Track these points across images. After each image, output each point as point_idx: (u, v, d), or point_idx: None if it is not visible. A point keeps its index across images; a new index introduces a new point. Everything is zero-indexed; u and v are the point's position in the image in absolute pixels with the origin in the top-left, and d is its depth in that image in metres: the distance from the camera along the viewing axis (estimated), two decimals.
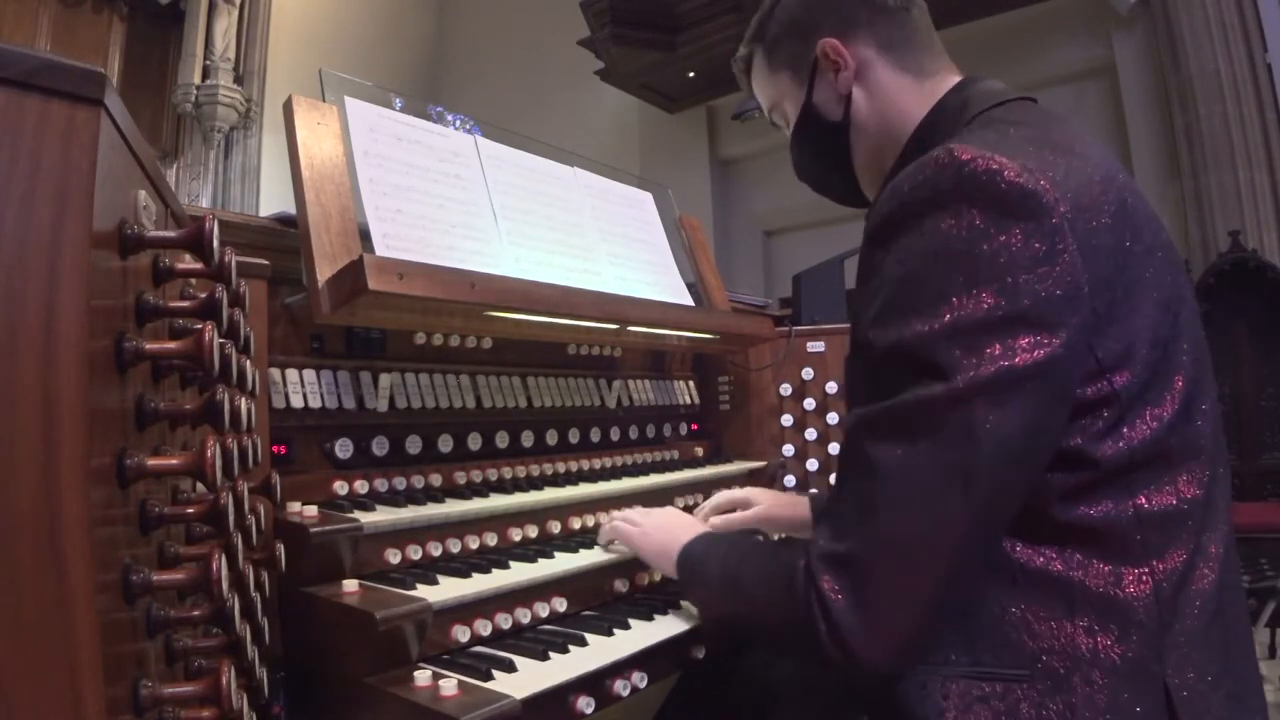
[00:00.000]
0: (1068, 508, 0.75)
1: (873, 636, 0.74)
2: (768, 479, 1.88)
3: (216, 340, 0.59)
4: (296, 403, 1.17)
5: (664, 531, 1.17)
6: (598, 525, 1.39)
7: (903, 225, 0.76)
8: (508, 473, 1.41)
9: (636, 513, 1.27)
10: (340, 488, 1.18)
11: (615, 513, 1.32)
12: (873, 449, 0.75)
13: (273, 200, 6.32)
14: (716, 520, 1.40)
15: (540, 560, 1.18)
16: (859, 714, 0.90)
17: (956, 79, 0.99)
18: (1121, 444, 0.75)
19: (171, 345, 0.60)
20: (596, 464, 1.56)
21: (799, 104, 1.05)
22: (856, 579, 0.74)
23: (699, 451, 1.89)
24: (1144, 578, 0.74)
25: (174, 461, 0.57)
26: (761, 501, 1.41)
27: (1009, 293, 0.71)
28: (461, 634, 1.03)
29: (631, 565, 1.28)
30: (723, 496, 1.45)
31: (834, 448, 1.89)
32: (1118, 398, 0.74)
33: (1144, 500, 0.76)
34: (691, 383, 1.95)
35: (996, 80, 0.96)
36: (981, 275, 0.71)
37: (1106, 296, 0.74)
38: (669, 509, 1.32)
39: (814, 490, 1.78)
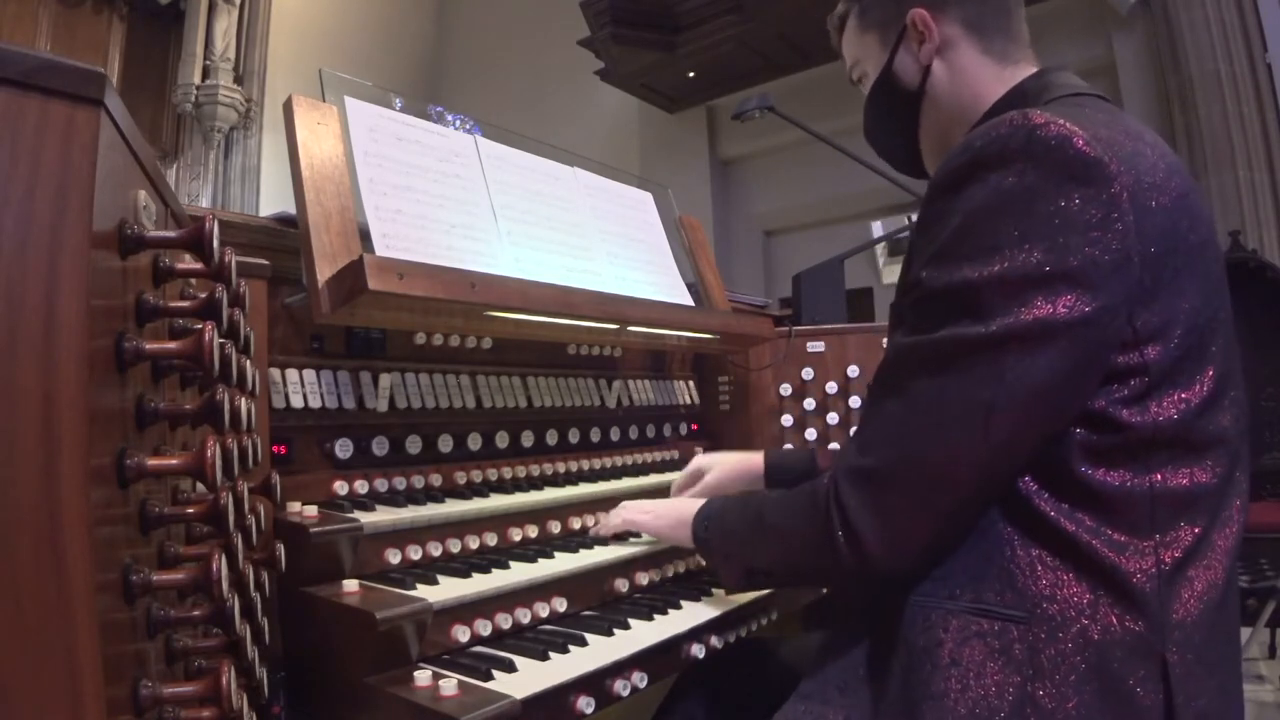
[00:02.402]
0: (1087, 468, 0.77)
1: (884, 540, 0.82)
2: None
3: (216, 340, 0.59)
4: (296, 403, 1.17)
5: (674, 507, 1.23)
6: (598, 525, 1.39)
7: (970, 177, 0.79)
8: (508, 473, 1.41)
9: (644, 502, 1.30)
10: (340, 488, 1.18)
11: (625, 503, 1.33)
12: (907, 376, 0.82)
13: (273, 200, 6.33)
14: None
15: (540, 560, 1.18)
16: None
17: (1036, 69, 1.01)
18: (1146, 418, 0.77)
19: (171, 345, 0.60)
20: (596, 464, 1.56)
21: (879, 67, 1.07)
22: (876, 490, 0.82)
23: (699, 451, 1.88)
24: (1148, 552, 0.76)
25: (174, 461, 0.57)
26: (715, 464, 1.41)
27: (1058, 251, 0.74)
28: (461, 634, 1.03)
29: (631, 565, 1.28)
30: (683, 475, 1.45)
31: (834, 447, 1.89)
32: (1147, 370, 0.76)
33: (1160, 478, 0.77)
34: (691, 383, 1.95)
35: (1076, 76, 0.97)
36: (1035, 232, 0.75)
37: (1155, 272, 0.76)
38: (670, 499, 1.36)
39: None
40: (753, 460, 1.43)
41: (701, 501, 1.18)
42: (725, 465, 1.42)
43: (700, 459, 1.47)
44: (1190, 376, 0.79)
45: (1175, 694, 0.73)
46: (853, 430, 1.85)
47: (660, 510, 1.25)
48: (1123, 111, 0.93)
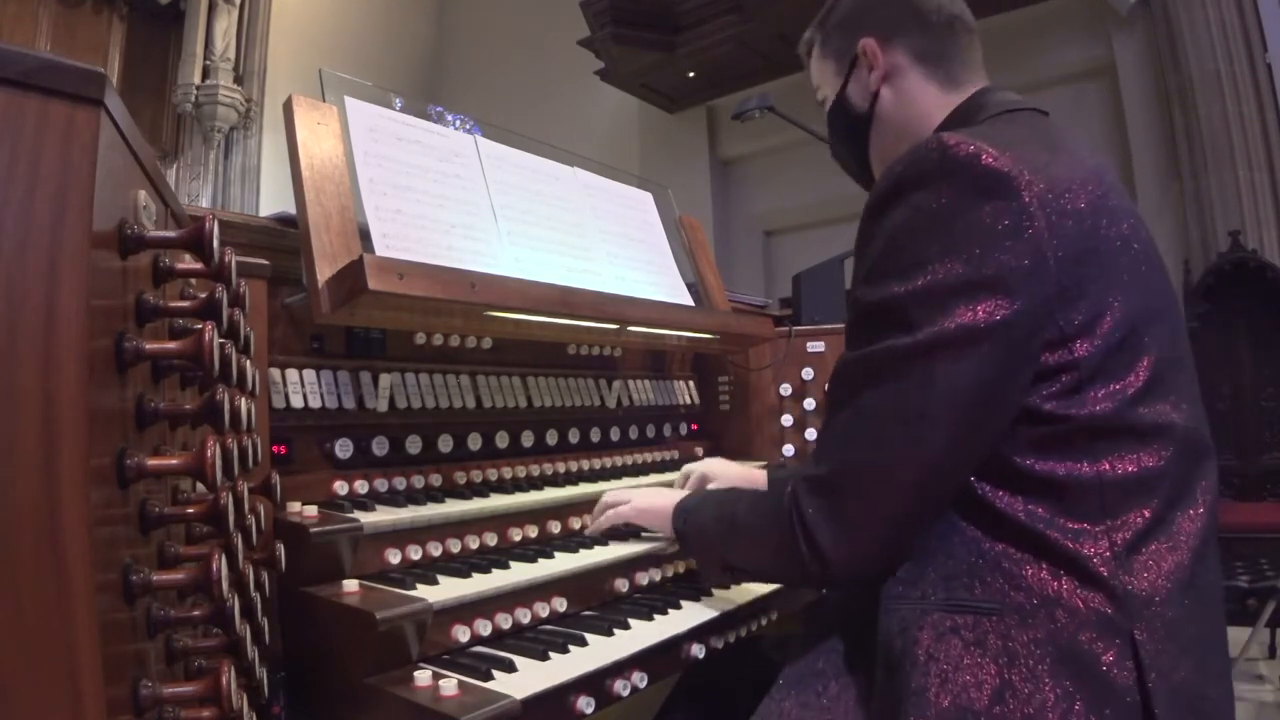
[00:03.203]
0: (1035, 461, 0.81)
1: (842, 545, 0.86)
2: None
3: (216, 340, 0.59)
4: (296, 403, 1.17)
5: (656, 496, 1.30)
6: (589, 526, 1.39)
7: (891, 201, 0.86)
8: (508, 473, 1.41)
9: (622, 492, 1.35)
10: (340, 488, 1.18)
11: (605, 495, 1.35)
12: (850, 389, 0.87)
13: (273, 200, 6.32)
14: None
15: (540, 560, 1.18)
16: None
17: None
18: (1082, 411, 0.80)
19: (171, 345, 0.60)
20: (596, 464, 1.56)
21: (835, 91, 1.15)
22: (830, 497, 0.87)
23: (699, 451, 1.89)
24: (1101, 535, 0.79)
25: (174, 461, 0.57)
26: (719, 476, 1.46)
27: (975, 261, 0.79)
28: (461, 634, 1.03)
29: (631, 565, 1.28)
30: (691, 473, 1.48)
31: None
32: (1077, 366, 0.80)
33: (1108, 465, 0.81)
34: (691, 383, 1.95)
35: (1013, 93, 1.03)
36: (954, 245, 0.80)
37: (1076, 273, 0.81)
38: (652, 488, 1.41)
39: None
40: (755, 475, 1.46)
41: (681, 494, 1.23)
42: (729, 476, 1.45)
43: (704, 466, 1.48)
44: (1124, 367, 0.83)
45: (1148, 671, 0.75)
46: None
47: (641, 503, 1.29)
48: (1055, 125, 0.98)
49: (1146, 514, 0.81)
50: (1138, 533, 0.79)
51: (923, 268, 0.81)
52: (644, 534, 1.36)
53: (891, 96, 1.08)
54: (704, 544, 1.12)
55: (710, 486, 1.41)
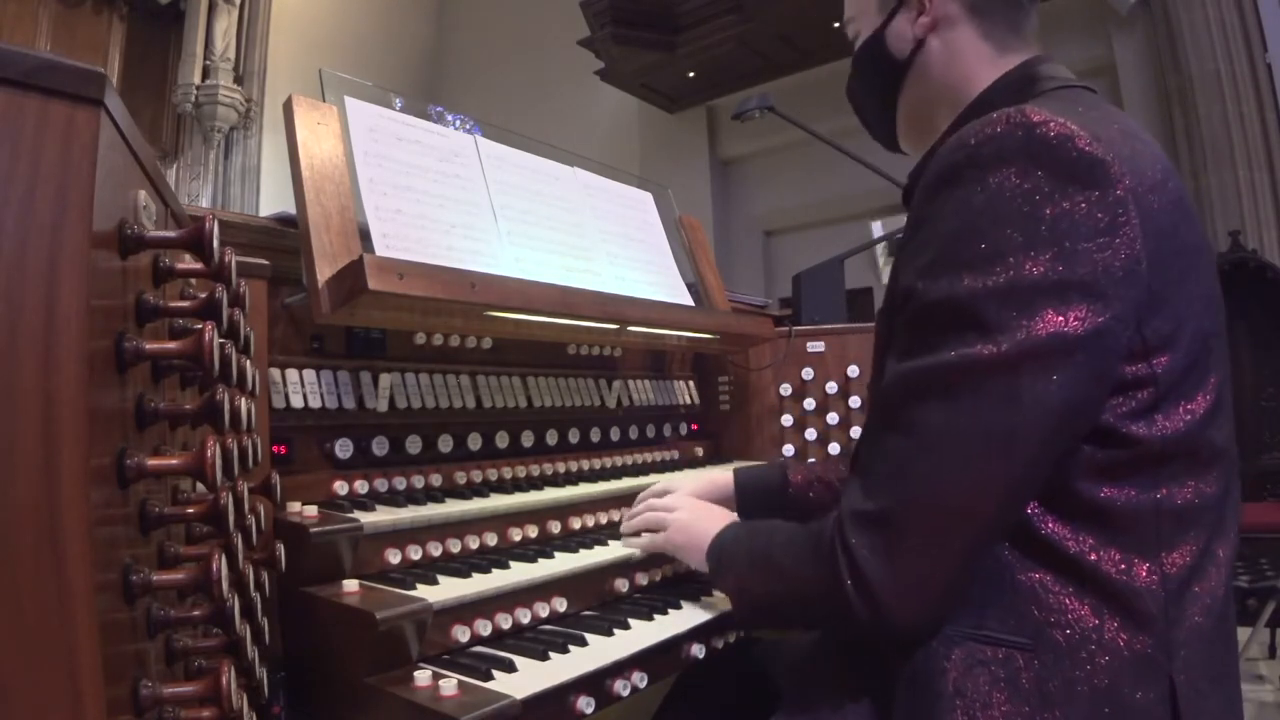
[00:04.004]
0: (1092, 486, 0.74)
1: (904, 591, 0.75)
2: None
3: (216, 340, 0.59)
4: (296, 403, 1.17)
5: (695, 521, 1.17)
6: (598, 525, 1.39)
7: (964, 177, 0.75)
8: (508, 473, 1.41)
9: (669, 500, 1.26)
10: (340, 488, 1.18)
11: (652, 500, 1.29)
12: (912, 407, 0.75)
13: (273, 200, 6.33)
14: None
15: (540, 560, 1.18)
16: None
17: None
18: (1154, 431, 0.74)
19: (171, 345, 0.60)
20: (596, 464, 1.56)
21: (872, 28, 1.03)
22: (889, 536, 0.75)
23: (699, 451, 1.89)
24: (1154, 570, 0.74)
25: (174, 461, 0.57)
26: (679, 488, 1.33)
27: (1067, 259, 0.70)
28: (461, 634, 1.03)
29: (631, 565, 1.28)
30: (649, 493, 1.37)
31: (834, 448, 1.89)
32: (1155, 381, 0.73)
33: (1166, 492, 0.75)
34: (691, 383, 1.95)
35: (1063, 66, 0.94)
36: (1041, 238, 0.70)
37: (1162, 277, 0.73)
38: (695, 502, 1.28)
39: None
40: (721, 479, 1.36)
41: (720, 523, 1.12)
42: (692, 485, 1.33)
43: (666, 481, 1.38)
44: (1195, 387, 0.76)
45: (1184, 715, 0.72)
46: (854, 432, 1.86)
47: (677, 535, 1.18)
48: (1113, 107, 0.90)
49: (1200, 545, 0.75)
50: (1188, 566, 0.74)
51: (1003, 259, 0.70)
52: (644, 531, 1.36)
53: (940, 49, 0.96)
54: (740, 588, 1.00)
55: (673, 496, 1.30)
